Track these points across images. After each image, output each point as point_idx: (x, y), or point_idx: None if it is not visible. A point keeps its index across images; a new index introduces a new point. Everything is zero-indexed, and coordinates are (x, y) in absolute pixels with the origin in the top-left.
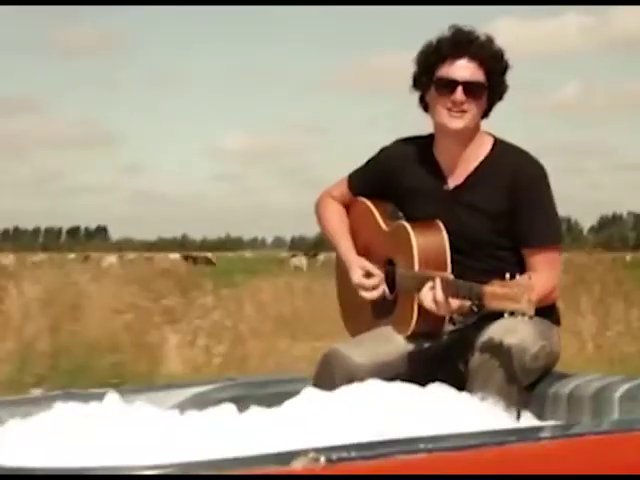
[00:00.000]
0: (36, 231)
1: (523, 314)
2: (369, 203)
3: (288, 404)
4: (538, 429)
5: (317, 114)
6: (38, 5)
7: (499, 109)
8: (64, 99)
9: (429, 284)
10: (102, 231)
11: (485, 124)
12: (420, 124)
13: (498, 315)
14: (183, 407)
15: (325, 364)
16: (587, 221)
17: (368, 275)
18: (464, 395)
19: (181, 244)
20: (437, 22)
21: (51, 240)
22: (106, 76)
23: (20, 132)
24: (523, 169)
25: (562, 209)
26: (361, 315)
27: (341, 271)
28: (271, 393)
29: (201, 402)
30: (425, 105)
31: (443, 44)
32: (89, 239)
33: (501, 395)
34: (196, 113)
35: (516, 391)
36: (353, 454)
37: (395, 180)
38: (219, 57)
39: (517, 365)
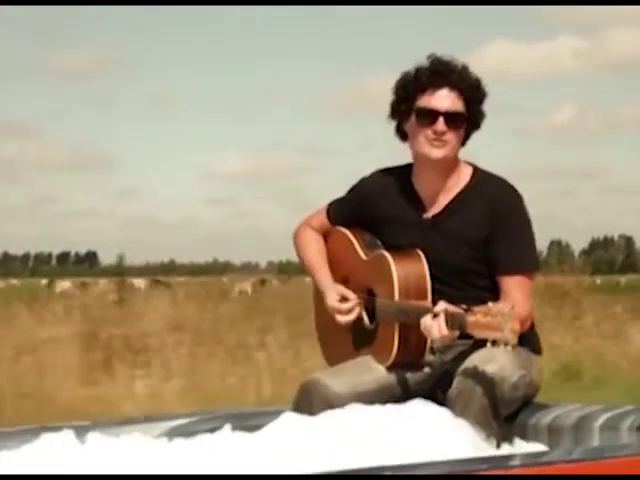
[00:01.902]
0: (26, 257)
1: (506, 343)
2: (348, 233)
3: (268, 428)
4: (509, 457)
5: (314, 137)
6: (41, 5)
7: (493, 131)
8: (59, 122)
9: (431, 314)
10: (92, 256)
11: (478, 147)
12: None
13: (479, 345)
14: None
15: (304, 393)
16: (580, 244)
17: (343, 299)
18: (443, 412)
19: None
20: (434, 45)
21: (41, 265)
22: (101, 99)
23: (14, 156)
24: (501, 197)
25: (554, 232)
26: (340, 345)
27: (319, 301)
28: (252, 425)
29: (181, 435)
30: (402, 134)
31: (422, 73)
32: (78, 264)
33: (480, 424)
34: (192, 136)
35: (495, 421)
36: None
37: (374, 210)
38: (216, 80)
39: (496, 394)
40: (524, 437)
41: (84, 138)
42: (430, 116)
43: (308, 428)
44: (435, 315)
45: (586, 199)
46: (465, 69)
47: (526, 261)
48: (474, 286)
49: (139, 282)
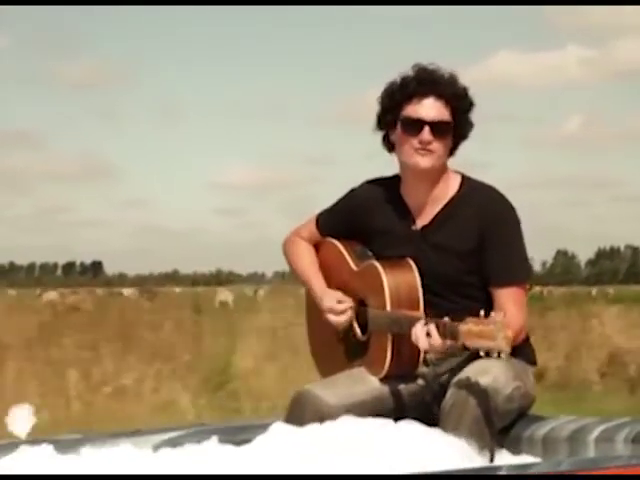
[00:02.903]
0: (31, 267)
1: (499, 352)
2: (338, 243)
3: (258, 440)
4: (495, 468)
5: (320, 147)
6: (50, 5)
7: (502, 141)
8: (64, 132)
9: (422, 322)
10: (97, 266)
11: (487, 157)
12: None
13: (474, 357)
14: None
15: (296, 405)
16: (587, 254)
17: (339, 302)
18: (434, 431)
19: (172, 278)
20: (440, 55)
21: (46, 275)
22: (107, 109)
23: (19, 166)
24: (491, 207)
25: (561, 242)
26: (333, 357)
27: (312, 311)
28: (243, 439)
29: (169, 447)
30: (389, 145)
31: (408, 83)
32: (83, 274)
33: (473, 436)
34: (198, 146)
35: (488, 432)
36: None
37: (363, 222)
38: (221, 90)
39: (490, 406)
40: (518, 449)
41: (90, 148)
42: (416, 125)
43: (297, 440)
44: (426, 323)
45: (594, 209)
46: (452, 78)
47: (518, 271)
48: (466, 297)
49: (129, 291)
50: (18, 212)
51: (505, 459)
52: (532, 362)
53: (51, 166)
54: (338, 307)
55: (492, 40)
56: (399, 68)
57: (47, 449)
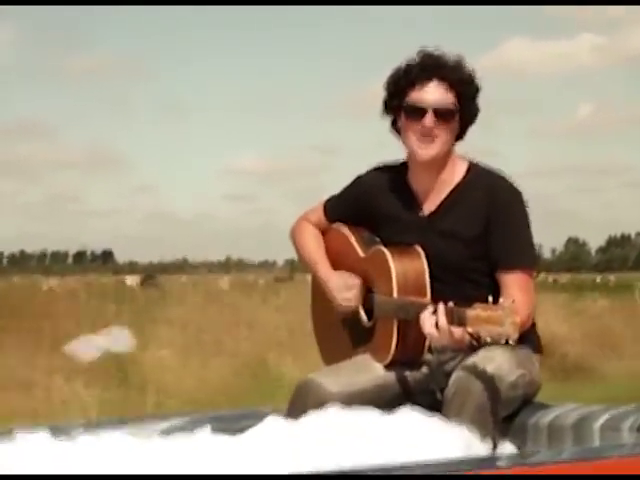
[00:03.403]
0: (42, 255)
1: (507, 338)
2: (345, 230)
3: (250, 432)
4: (494, 458)
5: (330, 135)
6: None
7: (512, 129)
8: (76, 122)
9: (430, 309)
10: (107, 255)
11: (497, 145)
12: None
13: (478, 345)
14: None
15: (298, 393)
16: (598, 241)
17: (347, 284)
18: (433, 419)
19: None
20: (451, 44)
21: (57, 264)
22: (117, 99)
23: (31, 155)
24: (497, 192)
25: (572, 229)
26: (338, 343)
27: (317, 297)
28: (242, 427)
29: (163, 435)
30: (397, 131)
31: (412, 69)
32: (94, 262)
33: (475, 424)
34: (208, 134)
35: (491, 421)
36: None
37: (371, 208)
38: (232, 78)
39: (493, 394)
40: (523, 437)
41: (100, 137)
42: (418, 111)
43: (291, 430)
44: (434, 311)
45: (605, 196)
46: (457, 62)
47: (525, 257)
48: (473, 283)
49: (132, 279)
50: (29, 200)
51: (508, 448)
52: (538, 350)
53: (61, 155)
54: (349, 295)
55: (503, 29)
56: (407, 56)
57: (42, 437)
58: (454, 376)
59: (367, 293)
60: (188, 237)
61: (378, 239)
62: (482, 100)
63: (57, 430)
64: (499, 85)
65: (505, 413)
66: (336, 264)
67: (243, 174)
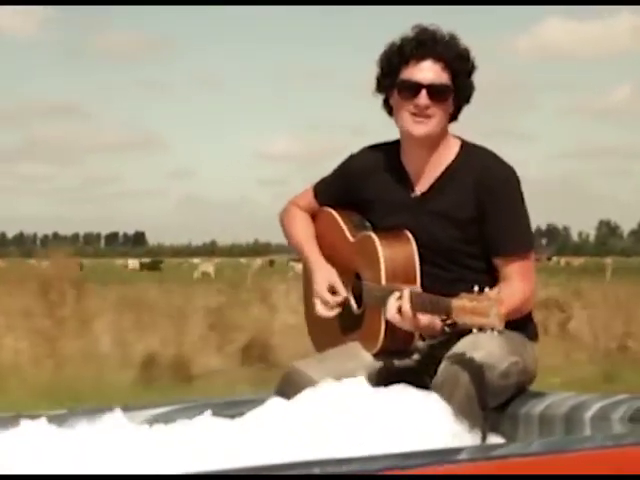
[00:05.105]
0: (75, 237)
1: (492, 329)
2: (335, 213)
3: (250, 414)
4: (457, 450)
5: (363, 117)
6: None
7: (549, 110)
8: (111, 104)
9: (396, 294)
10: (140, 237)
11: (533, 125)
12: (460, 125)
13: (470, 331)
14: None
15: (285, 381)
16: (630, 224)
17: (333, 291)
18: (429, 397)
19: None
20: (487, 24)
21: (89, 246)
22: (152, 80)
23: (65, 137)
24: (491, 173)
25: (606, 212)
26: (328, 330)
27: (308, 284)
28: (234, 414)
29: (162, 422)
30: (389, 109)
31: (406, 44)
32: (126, 245)
33: (464, 414)
34: (241, 117)
35: (480, 410)
36: None
37: (361, 189)
38: (266, 61)
39: (483, 382)
40: (515, 427)
41: (136, 119)
42: (412, 89)
43: (290, 411)
44: (400, 297)
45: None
46: (452, 39)
47: (522, 241)
48: (465, 267)
49: (134, 263)
50: (63, 183)
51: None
52: (533, 337)
53: (97, 137)
54: (329, 298)
55: (541, 8)
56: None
57: (40, 424)
58: (442, 365)
59: (356, 280)
60: (220, 220)
61: (368, 223)
62: (517, 82)
63: (53, 418)
64: (536, 67)
65: (496, 402)
66: (325, 249)
67: (277, 156)
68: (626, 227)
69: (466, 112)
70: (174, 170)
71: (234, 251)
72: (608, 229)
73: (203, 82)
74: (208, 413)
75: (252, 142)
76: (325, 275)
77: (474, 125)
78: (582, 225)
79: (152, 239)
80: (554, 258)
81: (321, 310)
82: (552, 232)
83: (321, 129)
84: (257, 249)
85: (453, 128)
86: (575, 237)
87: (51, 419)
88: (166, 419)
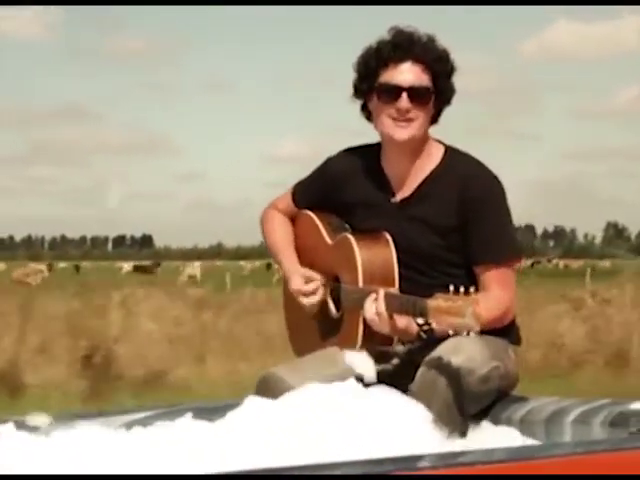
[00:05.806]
0: (83, 239)
1: (468, 329)
2: (314, 216)
3: (231, 415)
4: (417, 458)
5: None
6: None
7: (556, 112)
8: (118, 106)
9: (373, 296)
10: (147, 239)
11: (541, 127)
12: (465, 127)
13: (448, 335)
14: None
15: (261, 387)
16: (638, 226)
17: (308, 281)
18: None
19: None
20: (497, 26)
21: (97, 248)
22: (161, 83)
23: (73, 139)
24: (474, 180)
25: (613, 214)
26: (307, 335)
27: (288, 289)
28: (215, 418)
29: (141, 426)
30: (368, 114)
31: (384, 47)
32: (133, 248)
33: (443, 419)
34: (250, 120)
35: (459, 415)
36: None
37: (340, 193)
38: (275, 64)
39: (462, 387)
40: None
41: (143, 122)
42: (392, 92)
43: (272, 411)
44: (376, 299)
45: None
46: (431, 40)
47: (504, 250)
48: (445, 274)
49: (127, 266)
50: (71, 185)
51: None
52: (515, 342)
53: (105, 140)
54: (306, 288)
55: (549, 10)
56: (455, 40)
57: (13, 432)
58: (420, 370)
59: (335, 283)
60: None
61: (347, 226)
62: (525, 83)
63: (24, 425)
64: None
65: (478, 408)
66: (304, 252)
67: (283, 161)
68: (634, 229)
69: (474, 114)
70: (181, 173)
71: (240, 253)
72: (615, 231)
73: (211, 85)
74: (189, 415)
75: (259, 145)
76: (298, 273)
77: (482, 127)
78: (589, 227)
79: (159, 242)
80: (554, 260)
81: (305, 301)
82: (559, 234)
83: (328, 132)
84: (262, 252)
85: (453, 130)
86: (581, 239)
87: (20, 426)
88: (145, 423)
